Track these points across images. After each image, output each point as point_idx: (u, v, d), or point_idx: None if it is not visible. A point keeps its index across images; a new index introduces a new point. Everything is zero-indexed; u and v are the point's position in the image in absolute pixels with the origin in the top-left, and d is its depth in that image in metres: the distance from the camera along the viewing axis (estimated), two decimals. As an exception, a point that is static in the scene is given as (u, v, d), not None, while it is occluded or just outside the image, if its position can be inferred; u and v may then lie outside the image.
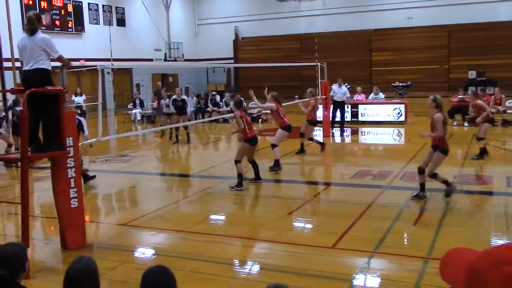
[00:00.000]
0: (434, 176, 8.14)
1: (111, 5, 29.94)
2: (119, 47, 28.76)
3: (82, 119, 9.72)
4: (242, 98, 10.34)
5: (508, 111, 17.76)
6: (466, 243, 6.05)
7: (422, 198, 8.26)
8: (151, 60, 31.99)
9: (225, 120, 20.12)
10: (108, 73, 26.68)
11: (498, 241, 6.46)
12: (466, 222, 7.31)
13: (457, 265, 1.20)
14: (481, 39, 29.51)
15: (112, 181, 11.06)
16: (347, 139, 16.70)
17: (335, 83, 17.46)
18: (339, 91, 17.15)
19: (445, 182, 8.18)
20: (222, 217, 8.32)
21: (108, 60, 26.41)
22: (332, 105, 17.01)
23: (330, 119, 17.06)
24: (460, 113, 17.99)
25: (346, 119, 17.77)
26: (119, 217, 8.30)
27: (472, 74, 28.20)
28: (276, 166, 10.98)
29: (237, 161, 9.56)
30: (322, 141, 13.55)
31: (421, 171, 8.27)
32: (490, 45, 29.21)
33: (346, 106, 17.60)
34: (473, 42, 29.68)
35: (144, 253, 6.57)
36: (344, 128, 17.13)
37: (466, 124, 17.47)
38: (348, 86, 21.23)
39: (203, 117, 21.60)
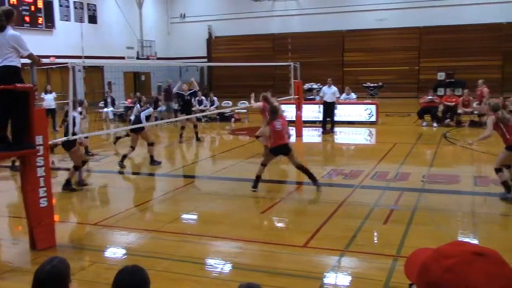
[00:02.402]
0: (496, 171, 8.33)
1: (83, 2, 29.52)
2: (91, 44, 28.40)
3: (76, 114, 9.33)
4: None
5: (475, 112, 18.14)
6: (435, 241, 6.18)
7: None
8: (123, 58, 31.66)
9: (199, 119, 20.06)
10: (79, 70, 26.30)
11: (464, 239, 6.62)
12: (435, 221, 7.47)
13: (416, 262, 1.28)
14: (450, 41, 30.13)
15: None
16: (319, 139, 16.85)
17: (326, 85, 17.39)
18: (329, 91, 17.01)
19: (504, 183, 8.27)
20: (194, 216, 8.31)
21: (79, 57, 26.07)
22: (323, 106, 17.06)
23: (322, 120, 17.19)
24: (429, 113, 18.33)
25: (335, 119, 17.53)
26: (90, 216, 8.21)
27: (441, 76, 28.72)
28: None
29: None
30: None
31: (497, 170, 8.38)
32: (459, 47, 29.83)
33: (335, 106, 17.16)
34: (443, 44, 30.27)
35: (115, 253, 6.52)
36: (334, 130, 17.17)
37: (435, 124, 17.82)
38: (320, 86, 21.41)
39: (175, 116, 21.47)
